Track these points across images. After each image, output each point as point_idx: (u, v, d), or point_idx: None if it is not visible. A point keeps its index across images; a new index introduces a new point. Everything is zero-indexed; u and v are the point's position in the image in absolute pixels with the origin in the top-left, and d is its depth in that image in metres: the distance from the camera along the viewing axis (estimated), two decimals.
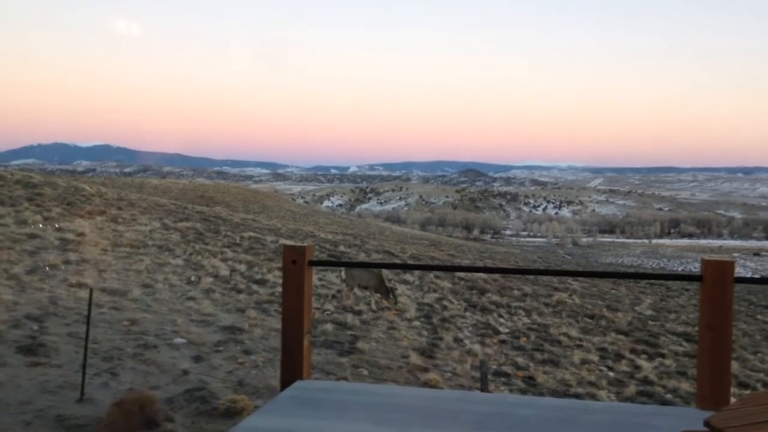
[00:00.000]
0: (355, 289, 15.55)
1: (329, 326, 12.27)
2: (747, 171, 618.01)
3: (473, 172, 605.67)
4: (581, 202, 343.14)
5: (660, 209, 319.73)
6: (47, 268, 13.34)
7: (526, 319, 16.89)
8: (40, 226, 17.91)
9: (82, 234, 17.63)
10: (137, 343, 9.17)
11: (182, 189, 76.96)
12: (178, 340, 9.64)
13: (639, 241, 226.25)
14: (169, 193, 63.65)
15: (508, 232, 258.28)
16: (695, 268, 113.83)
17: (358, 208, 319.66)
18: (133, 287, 12.93)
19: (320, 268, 18.36)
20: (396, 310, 15.03)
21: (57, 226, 18.28)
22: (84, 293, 11.22)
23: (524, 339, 14.53)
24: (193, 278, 14.95)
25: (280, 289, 13.25)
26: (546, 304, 19.51)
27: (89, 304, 7.42)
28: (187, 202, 47.67)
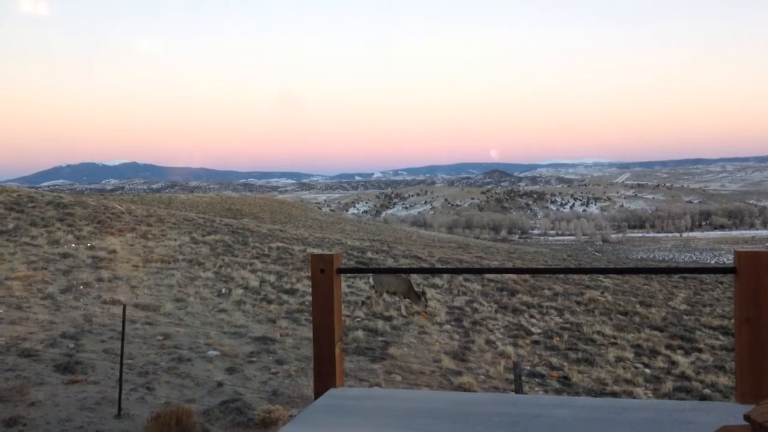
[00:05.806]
0: (385, 295, 15.55)
1: (360, 333, 12.29)
2: None
3: (498, 172, 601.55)
4: (609, 198, 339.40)
5: (690, 202, 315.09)
6: (81, 287, 13.55)
7: (558, 319, 16.74)
8: (73, 245, 18.21)
9: (113, 251, 17.89)
10: (171, 357, 9.27)
11: (209, 203, 77.75)
12: (212, 353, 9.73)
13: (670, 235, 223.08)
14: (196, 208, 64.35)
15: (536, 231, 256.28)
16: (728, 259, 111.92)
17: (383, 214, 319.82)
18: (166, 302, 13.09)
19: (349, 275, 18.40)
20: (425, 312, 15.00)
21: (89, 244, 18.56)
22: (118, 310, 11.38)
23: (557, 339, 14.39)
24: (223, 290, 15.08)
25: (309, 298, 13.31)
26: (578, 303, 19.31)
27: (123, 321, 7.53)
28: (215, 215, 48.18)
